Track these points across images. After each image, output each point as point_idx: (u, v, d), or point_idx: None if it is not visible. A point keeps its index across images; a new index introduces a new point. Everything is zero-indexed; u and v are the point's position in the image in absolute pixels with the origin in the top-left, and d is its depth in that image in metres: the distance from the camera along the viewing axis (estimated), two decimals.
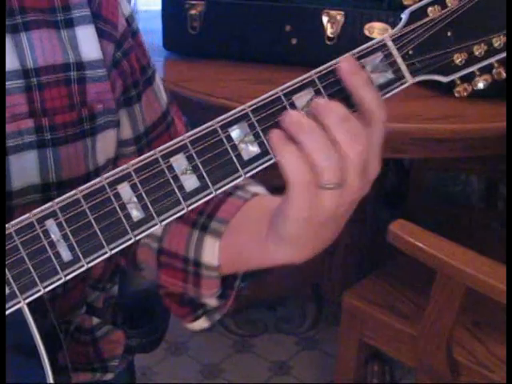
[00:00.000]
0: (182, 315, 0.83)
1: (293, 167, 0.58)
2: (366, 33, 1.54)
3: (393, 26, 1.47)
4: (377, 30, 1.53)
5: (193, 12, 1.62)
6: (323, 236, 0.64)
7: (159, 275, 0.80)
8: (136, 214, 0.61)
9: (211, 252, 0.75)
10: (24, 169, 0.71)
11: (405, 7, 0.62)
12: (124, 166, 0.61)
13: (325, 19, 1.56)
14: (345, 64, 0.61)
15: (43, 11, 0.73)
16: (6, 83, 0.70)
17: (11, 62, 0.70)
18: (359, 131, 0.58)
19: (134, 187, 0.60)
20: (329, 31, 1.56)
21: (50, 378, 0.64)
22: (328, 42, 1.57)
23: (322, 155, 0.58)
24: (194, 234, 0.76)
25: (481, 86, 0.64)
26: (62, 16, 0.74)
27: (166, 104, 0.85)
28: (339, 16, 1.55)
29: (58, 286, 0.62)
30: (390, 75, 0.63)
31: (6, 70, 0.70)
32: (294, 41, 1.60)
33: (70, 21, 0.74)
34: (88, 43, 0.74)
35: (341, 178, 0.58)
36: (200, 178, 0.61)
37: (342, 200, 0.60)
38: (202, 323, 0.83)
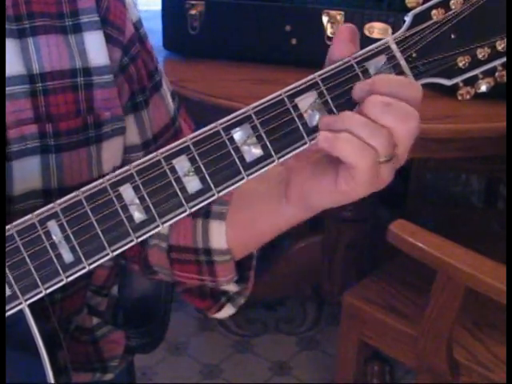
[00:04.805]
0: (206, 308, 0.83)
1: (353, 154, 0.59)
2: (366, 33, 1.53)
3: (393, 26, 1.47)
4: (377, 30, 1.52)
5: (193, 12, 1.62)
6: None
7: (173, 273, 0.80)
8: (138, 215, 0.61)
9: (218, 235, 0.75)
10: (26, 174, 0.71)
11: (405, 7, 0.62)
12: (126, 167, 0.61)
13: (325, 19, 1.56)
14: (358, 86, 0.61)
15: (51, 16, 0.72)
16: (12, 88, 0.69)
17: (17, 67, 0.70)
18: (405, 110, 0.59)
19: (136, 189, 0.60)
20: (329, 31, 1.56)
21: (51, 378, 0.64)
22: (328, 42, 1.57)
23: (368, 132, 0.59)
24: (198, 223, 0.76)
25: (484, 88, 0.64)
26: (71, 21, 0.73)
27: (173, 110, 0.85)
28: (339, 16, 1.55)
29: (59, 291, 0.62)
30: None
31: (12, 74, 0.69)
32: (293, 41, 1.60)
33: (78, 26, 0.73)
34: (96, 49, 0.74)
35: (392, 150, 0.61)
36: (202, 179, 0.61)
37: (392, 170, 0.62)
38: (227, 311, 0.83)
